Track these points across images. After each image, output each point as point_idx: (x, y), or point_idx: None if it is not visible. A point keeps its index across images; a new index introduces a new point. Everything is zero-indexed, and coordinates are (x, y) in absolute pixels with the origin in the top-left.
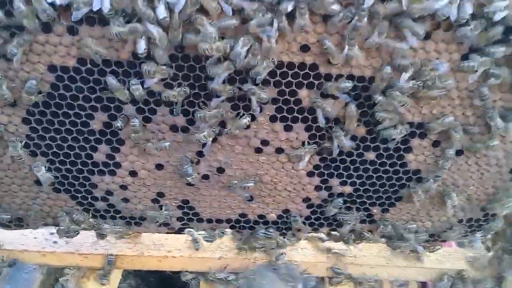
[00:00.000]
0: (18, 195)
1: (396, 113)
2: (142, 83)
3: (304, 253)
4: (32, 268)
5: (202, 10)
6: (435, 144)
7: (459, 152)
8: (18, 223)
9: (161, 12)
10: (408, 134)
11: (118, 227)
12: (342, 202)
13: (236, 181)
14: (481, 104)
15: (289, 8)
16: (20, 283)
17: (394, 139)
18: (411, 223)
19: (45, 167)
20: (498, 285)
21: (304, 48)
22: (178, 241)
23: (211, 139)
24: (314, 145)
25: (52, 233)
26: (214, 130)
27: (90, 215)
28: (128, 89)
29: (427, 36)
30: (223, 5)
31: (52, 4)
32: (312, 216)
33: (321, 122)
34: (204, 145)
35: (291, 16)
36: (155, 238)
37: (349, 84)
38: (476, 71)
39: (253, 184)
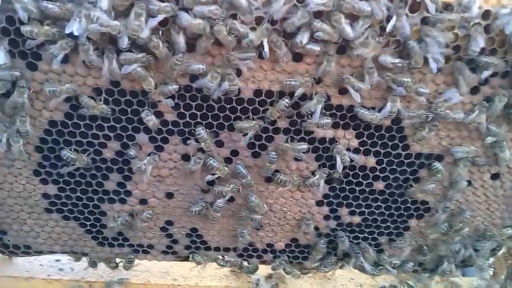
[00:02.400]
0: (27, 222)
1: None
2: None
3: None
4: None
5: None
6: None
7: (467, 182)
8: (25, 250)
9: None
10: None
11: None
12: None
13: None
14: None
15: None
16: None
17: None
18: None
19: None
20: None
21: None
22: (184, 269)
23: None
24: (325, 169)
25: (57, 260)
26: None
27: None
28: None
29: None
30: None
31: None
32: None
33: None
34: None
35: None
36: (161, 266)
37: (328, 121)
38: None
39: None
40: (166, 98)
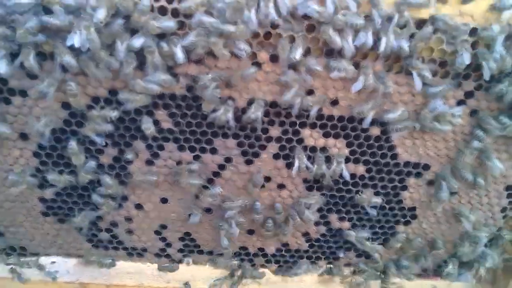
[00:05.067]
0: (24, 225)
1: None
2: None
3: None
4: None
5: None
6: (430, 183)
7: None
8: (21, 251)
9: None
10: (405, 173)
11: None
12: None
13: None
14: (480, 146)
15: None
16: None
17: None
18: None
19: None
20: None
21: (309, 92)
22: (177, 272)
23: None
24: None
25: (53, 262)
26: None
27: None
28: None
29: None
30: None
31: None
32: (310, 250)
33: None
34: None
35: None
36: (154, 268)
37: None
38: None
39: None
40: (96, 136)
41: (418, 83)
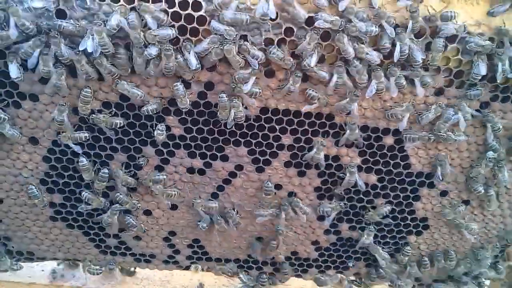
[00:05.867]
0: (31, 230)
1: None
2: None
3: None
4: None
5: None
6: (443, 193)
7: (465, 202)
8: (28, 256)
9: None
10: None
11: None
12: None
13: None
14: (493, 156)
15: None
16: None
17: None
18: None
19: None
20: None
21: None
22: (184, 278)
23: None
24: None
25: (59, 266)
26: None
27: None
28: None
29: (440, 92)
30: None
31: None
32: (320, 259)
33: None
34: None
35: None
36: (162, 274)
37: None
38: None
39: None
40: (74, 144)
41: (420, 90)
